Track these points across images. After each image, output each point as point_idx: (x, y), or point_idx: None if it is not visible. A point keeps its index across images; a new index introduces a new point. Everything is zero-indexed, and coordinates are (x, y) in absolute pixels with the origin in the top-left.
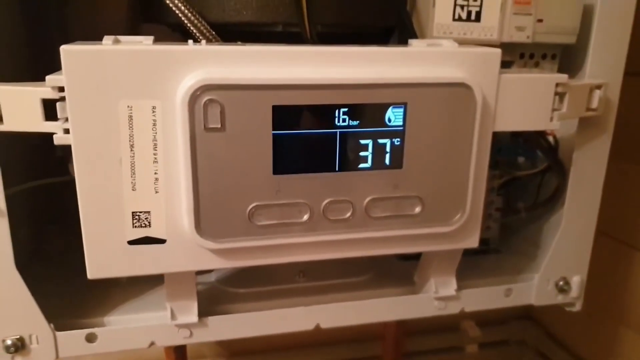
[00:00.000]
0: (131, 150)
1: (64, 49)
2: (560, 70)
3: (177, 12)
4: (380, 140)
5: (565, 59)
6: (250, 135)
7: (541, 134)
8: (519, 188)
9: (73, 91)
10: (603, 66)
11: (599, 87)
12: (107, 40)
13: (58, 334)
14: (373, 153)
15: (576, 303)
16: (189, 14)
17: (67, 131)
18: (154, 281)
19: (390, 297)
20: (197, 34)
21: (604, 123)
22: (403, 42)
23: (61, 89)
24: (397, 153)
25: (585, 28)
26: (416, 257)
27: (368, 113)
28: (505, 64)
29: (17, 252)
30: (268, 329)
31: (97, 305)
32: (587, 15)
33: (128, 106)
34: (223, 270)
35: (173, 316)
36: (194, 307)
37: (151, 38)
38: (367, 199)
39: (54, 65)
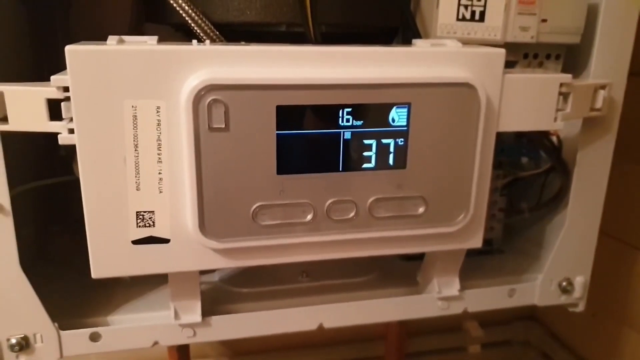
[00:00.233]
0: (135, 150)
1: (69, 49)
2: (564, 70)
3: (181, 12)
4: (384, 140)
5: (570, 59)
6: (254, 135)
7: (545, 134)
8: (522, 188)
9: (78, 91)
10: (607, 66)
11: (603, 87)
12: (112, 40)
13: (62, 333)
14: (377, 153)
15: (579, 303)
16: (193, 14)
17: (71, 131)
18: (157, 281)
19: (393, 297)
20: (201, 34)
21: (608, 123)
22: (407, 42)
23: (66, 89)
24: (401, 153)
25: (590, 28)
26: (419, 257)
27: (372, 113)
28: (509, 64)
29: (22, 251)
30: (271, 329)
31: (101, 305)
32: (591, 15)
33: (132, 106)
34: (226, 269)
35: (177, 316)
36: (197, 306)
37: (155, 38)
38: (371, 199)
39: (59, 66)
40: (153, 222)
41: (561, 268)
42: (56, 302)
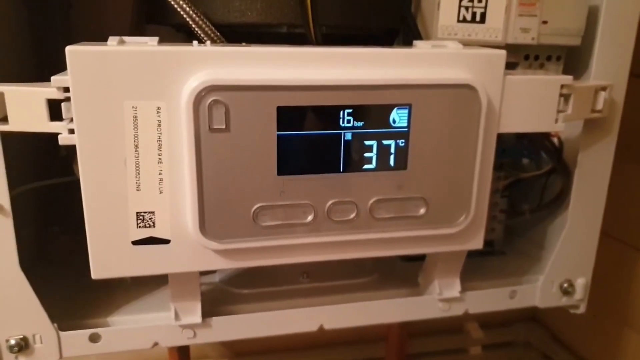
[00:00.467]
0: (136, 151)
1: (70, 49)
2: (565, 71)
3: (181, 13)
4: (385, 142)
5: (570, 60)
6: (255, 136)
7: (546, 136)
8: (523, 190)
9: (78, 92)
10: (608, 68)
11: (604, 88)
12: (112, 41)
13: (62, 334)
14: (377, 154)
15: (580, 305)
16: (194, 15)
17: (72, 131)
18: (157, 281)
19: (394, 298)
20: (202, 35)
21: (609, 124)
22: (408, 43)
23: (66, 90)
24: (402, 154)
25: (590, 29)
26: (420, 258)
27: (373, 114)
28: (510, 66)
29: (22, 252)
30: (272, 330)
31: (101, 306)
32: (592, 17)
33: (133, 107)
34: (227, 270)
35: (177, 317)
36: (197, 307)
37: (156, 39)
38: (372, 200)
39: (59, 67)
40: (153, 223)
41: (562, 269)
42: (56, 302)
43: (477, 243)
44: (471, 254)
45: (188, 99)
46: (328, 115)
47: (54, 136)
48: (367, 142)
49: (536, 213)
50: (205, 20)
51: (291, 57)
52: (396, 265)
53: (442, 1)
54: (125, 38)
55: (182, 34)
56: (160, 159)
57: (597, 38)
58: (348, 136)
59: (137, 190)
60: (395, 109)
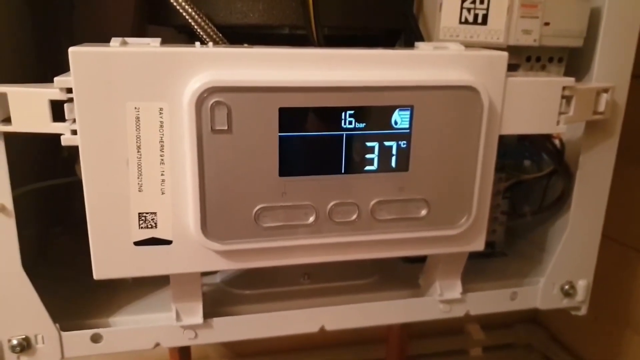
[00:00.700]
0: (138, 152)
1: (72, 50)
2: (567, 73)
3: (184, 14)
4: (387, 143)
5: (572, 62)
6: (257, 137)
7: (547, 137)
8: (524, 191)
9: (81, 92)
10: (610, 69)
11: (606, 90)
12: (115, 42)
13: (64, 334)
14: (379, 155)
15: (582, 307)
16: (196, 16)
17: (74, 132)
18: (159, 282)
19: (395, 299)
20: (204, 36)
21: (611, 126)
22: (409, 45)
23: (69, 90)
24: (403, 156)
25: (592, 31)
26: (421, 259)
27: (374, 115)
28: (512, 67)
29: (24, 252)
30: (273, 331)
31: (102, 306)
32: (594, 18)
33: (135, 108)
34: (228, 271)
35: (178, 317)
36: (199, 308)
37: (158, 40)
38: (373, 202)
39: (62, 68)
40: (155, 224)
41: (563, 271)
42: (58, 303)
43: (479, 245)
44: (472, 256)
45: (190, 100)
46: (330, 116)
47: (56, 137)
48: (368, 144)
49: (537, 215)
50: (207, 21)
51: (293, 58)
52: (397, 267)
53: (444, 3)
54: (128, 39)
55: (184, 35)
56: (162, 160)
57: (599, 40)
58: (350, 137)
59: (139, 191)
60: (397, 110)
